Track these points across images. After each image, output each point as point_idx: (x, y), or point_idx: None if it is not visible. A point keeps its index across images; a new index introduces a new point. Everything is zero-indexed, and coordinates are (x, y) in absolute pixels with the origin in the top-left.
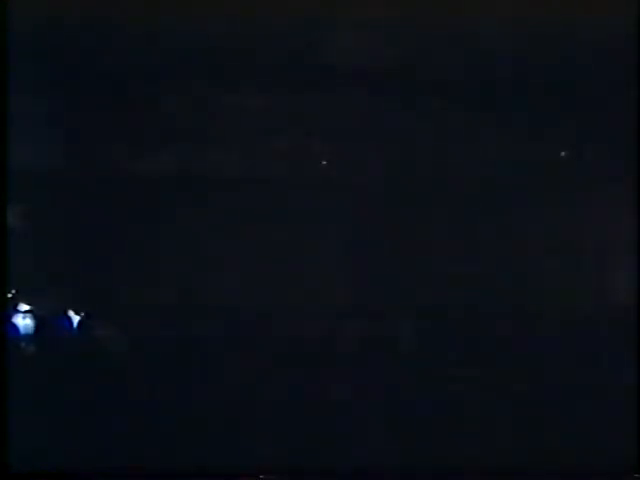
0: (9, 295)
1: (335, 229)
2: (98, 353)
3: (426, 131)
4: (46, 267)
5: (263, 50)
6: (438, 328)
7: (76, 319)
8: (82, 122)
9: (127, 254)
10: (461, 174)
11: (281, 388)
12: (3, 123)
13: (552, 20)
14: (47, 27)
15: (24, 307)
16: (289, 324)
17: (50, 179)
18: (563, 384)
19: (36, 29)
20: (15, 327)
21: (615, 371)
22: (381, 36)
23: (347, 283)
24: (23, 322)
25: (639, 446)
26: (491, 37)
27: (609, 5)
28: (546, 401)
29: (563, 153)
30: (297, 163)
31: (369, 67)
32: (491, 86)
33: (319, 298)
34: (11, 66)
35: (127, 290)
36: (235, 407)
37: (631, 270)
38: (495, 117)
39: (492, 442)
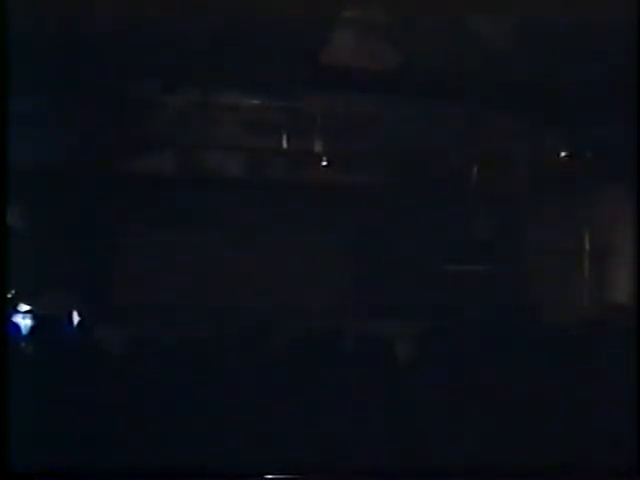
0: (9, 295)
1: (335, 229)
2: (99, 353)
3: (426, 131)
4: (46, 267)
5: (264, 49)
6: (437, 328)
7: (76, 319)
8: (82, 122)
9: (127, 254)
10: (461, 174)
11: (281, 388)
12: (3, 123)
13: (551, 19)
14: (47, 26)
15: (24, 307)
16: (289, 324)
17: (50, 179)
18: (563, 384)
19: (36, 28)
20: (15, 327)
21: (615, 372)
22: (381, 36)
23: (347, 283)
24: (23, 322)
25: (639, 446)
26: (489, 37)
27: (609, 5)
28: (546, 401)
29: (563, 153)
30: (297, 163)
31: (369, 67)
32: (490, 86)
33: (319, 298)
34: (11, 66)
35: (127, 290)
36: (235, 407)
37: (631, 270)
38: (495, 117)
39: (491, 442)
